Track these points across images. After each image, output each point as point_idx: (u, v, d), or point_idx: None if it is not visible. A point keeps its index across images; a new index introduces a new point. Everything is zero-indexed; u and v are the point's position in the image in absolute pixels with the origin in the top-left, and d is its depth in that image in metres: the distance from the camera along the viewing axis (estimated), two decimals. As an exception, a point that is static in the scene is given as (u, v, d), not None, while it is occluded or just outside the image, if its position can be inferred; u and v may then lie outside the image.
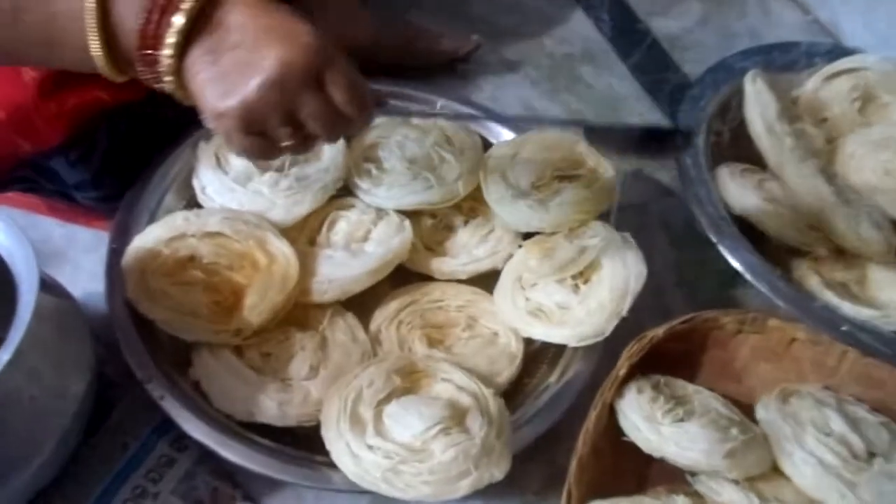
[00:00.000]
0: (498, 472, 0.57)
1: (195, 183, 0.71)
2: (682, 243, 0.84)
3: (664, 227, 0.85)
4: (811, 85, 0.86)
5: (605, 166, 0.73)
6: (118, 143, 0.70)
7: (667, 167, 0.89)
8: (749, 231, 0.74)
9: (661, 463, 0.61)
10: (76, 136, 0.66)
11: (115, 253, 0.65)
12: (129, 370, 0.60)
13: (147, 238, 0.65)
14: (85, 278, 0.70)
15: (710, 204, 0.75)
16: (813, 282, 0.71)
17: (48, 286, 0.58)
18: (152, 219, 0.69)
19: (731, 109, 0.84)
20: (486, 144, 0.78)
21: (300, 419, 0.61)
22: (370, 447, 0.56)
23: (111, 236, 0.67)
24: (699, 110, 0.83)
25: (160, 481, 0.61)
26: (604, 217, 0.71)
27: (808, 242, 0.74)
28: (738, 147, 0.84)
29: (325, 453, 0.57)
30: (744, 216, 0.76)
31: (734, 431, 0.60)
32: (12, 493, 0.53)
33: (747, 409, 0.65)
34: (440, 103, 0.82)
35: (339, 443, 0.57)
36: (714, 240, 0.73)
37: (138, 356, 0.61)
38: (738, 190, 0.76)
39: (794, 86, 0.86)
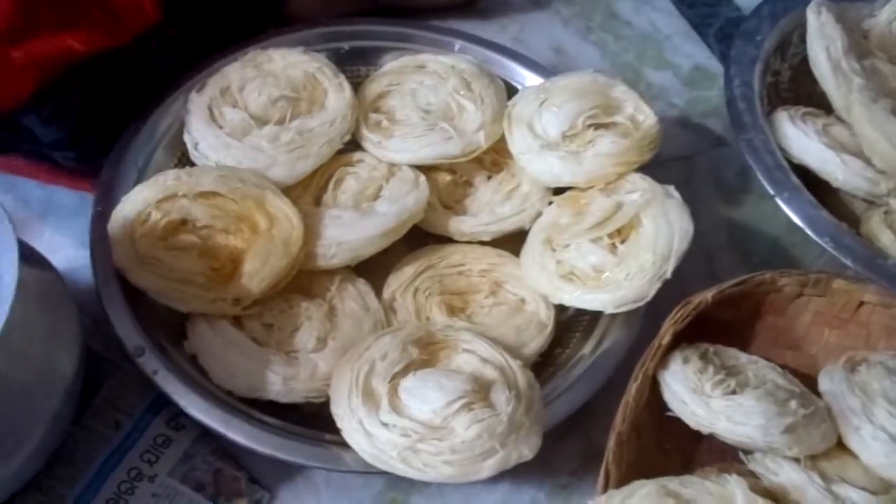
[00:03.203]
0: (527, 450, 0.58)
1: (187, 138, 0.72)
2: (734, 198, 0.84)
3: (714, 181, 0.85)
4: (885, 15, 0.85)
5: (646, 112, 0.73)
6: (96, 96, 0.71)
7: (718, 113, 0.89)
8: (811, 182, 0.74)
9: (709, 440, 0.61)
10: (47, 90, 0.67)
11: (101, 216, 0.66)
12: (119, 344, 0.62)
13: (135, 200, 0.66)
14: (68, 244, 0.72)
15: (767, 153, 0.75)
16: (884, 238, 0.71)
17: (27, 256, 0.59)
18: (140, 178, 0.70)
19: (792, 45, 0.84)
20: (511, 91, 0.78)
21: (307, 395, 0.62)
22: (385, 424, 0.57)
23: (95, 198, 0.68)
24: (754, 47, 0.82)
25: (156, 462, 0.62)
26: (645, 170, 0.71)
27: (879, 194, 0.74)
28: (799, 88, 0.84)
29: (336, 432, 0.59)
30: (805, 165, 0.76)
31: (794, 404, 0.60)
32: (5, 479, 0.55)
33: (808, 381, 0.65)
34: (458, 45, 0.82)
35: (351, 420, 0.58)
36: (771, 192, 0.73)
37: (128, 329, 0.62)
38: (799, 136, 0.76)
39: (865, 16, 0.86)
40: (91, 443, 0.63)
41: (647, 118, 0.72)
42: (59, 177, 0.76)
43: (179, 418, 0.64)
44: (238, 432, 0.59)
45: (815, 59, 0.80)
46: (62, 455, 0.61)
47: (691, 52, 0.96)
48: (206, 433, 0.63)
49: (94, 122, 0.72)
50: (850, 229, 0.71)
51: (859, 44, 0.82)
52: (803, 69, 0.82)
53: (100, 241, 0.65)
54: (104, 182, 0.69)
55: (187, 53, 0.76)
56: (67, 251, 0.71)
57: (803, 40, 0.81)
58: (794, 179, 0.73)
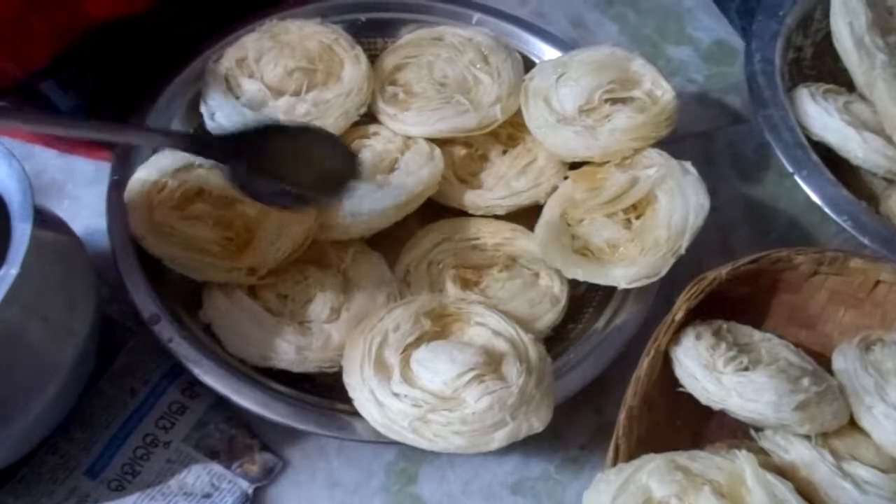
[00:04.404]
0: (538, 422, 0.58)
1: (203, 108, 0.72)
2: (752, 175, 0.84)
3: (732, 157, 0.85)
4: (911, -9, 0.84)
5: (664, 87, 0.72)
6: (114, 63, 0.72)
7: (738, 88, 0.88)
8: (831, 160, 0.74)
9: (720, 417, 0.62)
10: (65, 57, 0.68)
11: (118, 185, 0.67)
12: (135, 311, 0.63)
13: (152, 168, 0.67)
14: (85, 213, 0.73)
15: (787, 129, 0.75)
16: (904, 217, 0.71)
17: (47, 220, 0.60)
18: (157, 148, 0.70)
19: (815, 20, 0.83)
20: (528, 64, 0.78)
21: (320, 364, 0.63)
22: (396, 395, 0.58)
23: (112, 167, 0.69)
24: (777, 22, 0.82)
25: (171, 429, 0.64)
26: (663, 146, 0.71)
27: (900, 172, 0.73)
28: (822, 64, 0.83)
29: (348, 401, 0.60)
30: (825, 143, 0.75)
31: (806, 382, 0.60)
32: (19, 437, 0.56)
33: (822, 360, 0.65)
34: (476, 18, 0.81)
35: (363, 390, 0.59)
36: (790, 169, 0.73)
37: (144, 296, 0.63)
38: (820, 113, 0.76)
39: (891, -9, 0.84)
40: (107, 409, 0.64)
41: (665, 93, 0.72)
42: (77, 146, 0.77)
43: (194, 386, 0.65)
44: (251, 400, 0.60)
45: (837, 35, 0.79)
46: (79, 420, 0.63)
47: (712, 26, 0.95)
48: (220, 401, 0.65)
49: (112, 90, 0.73)
50: (869, 208, 0.71)
51: (884, 19, 0.81)
52: (826, 45, 0.81)
53: (116, 209, 0.66)
54: (121, 152, 0.70)
55: (205, 22, 0.76)
56: (85, 220, 0.71)
57: (827, 16, 0.80)
58: (814, 157, 0.73)
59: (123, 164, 0.69)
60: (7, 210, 0.54)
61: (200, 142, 0.58)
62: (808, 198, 0.71)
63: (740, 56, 0.86)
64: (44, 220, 0.58)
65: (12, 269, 0.51)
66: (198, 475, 0.62)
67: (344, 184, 0.62)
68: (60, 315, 0.57)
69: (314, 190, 0.60)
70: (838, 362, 0.64)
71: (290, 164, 0.60)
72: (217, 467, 0.63)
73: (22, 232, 0.52)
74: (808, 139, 0.75)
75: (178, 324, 0.63)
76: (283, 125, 0.65)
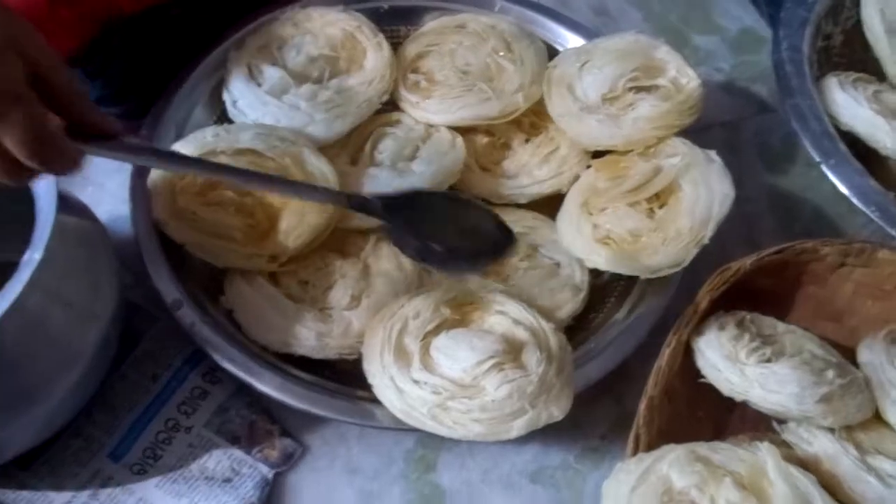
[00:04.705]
0: (557, 411, 0.58)
1: (226, 96, 0.73)
2: (778, 165, 0.83)
3: (758, 147, 0.84)
4: (944, -23, 0.82)
5: (689, 75, 0.72)
6: (141, 53, 0.72)
7: (764, 77, 0.87)
8: (859, 150, 0.73)
9: (742, 409, 0.61)
10: (92, 46, 0.69)
11: (141, 172, 0.68)
12: (157, 297, 0.63)
13: (175, 155, 0.67)
14: (109, 200, 0.74)
15: (815, 119, 0.74)
16: (933, 208, 0.70)
17: (71, 206, 0.61)
18: (180, 135, 0.71)
19: (845, 7, 0.82)
20: (551, 52, 0.78)
21: (340, 351, 0.63)
22: (416, 382, 0.58)
23: (136, 153, 0.70)
24: (805, 10, 0.81)
25: (193, 414, 0.64)
26: (688, 135, 0.70)
27: (930, 163, 0.72)
28: (851, 52, 0.82)
29: (367, 388, 0.60)
30: (854, 133, 0.74)
31: (830, 374, 0.59)
32: (43, 420, 0.57)
33: (847, 353, 0.65)
34: (499, 5, 0.81)
35: (383, 377, 0.59)
36: (817, 159, 0.72)
37: (166, 282, 0.64)
38: (849, 102, 0.75)
39: (923, -22, 0.83)
40: (130, 393, 0.65)
41: (690, 81, 0.71)
42: (101, 134, 0.78)
43: (216, 372, 0.66)
44: (272, 386, 0.61)
45: (868, 22, 0.78)
46: (102, 404, 0.64)
47: (739, 14, 0.94)
48: (241, 387, 0.65)
49: (138, 79, 0.73)
50: (897, 198, 0.70)
51: (917, 7, 0.80)
52: (856, 33, 0.80)
53: (140, 195, 0.67)
54: (145, 138, 0.70)
55: (228, 11, 0.77)
56: (109, 206, 0.72)
57: (857, 3, 0.79)
58: (842, 146, 0.72)
59: (147, 151, 0.70)
60: (31, 195, 0.55)
61: (357, 201, 0.62)
62: (834, 188, 0.70)
63: (767, 44, 0.85)
64: (68, 205, 0.59)
65: (36, 253, 0.51)
66: (218, 460, 0.63)
67: (496, 254, 0.64)
68: (84, 300, 0.57)
69: (465, 255, 0.62)
70: (864, 355, 0.64)
71: (446, 229, 0.62)
72: (238, 452, 0.63)
73: (46, 217, 0.53)
74: (836, 129, 0.74)
75: (200, 309, 0.63)
76: (441, 193, 0.69)
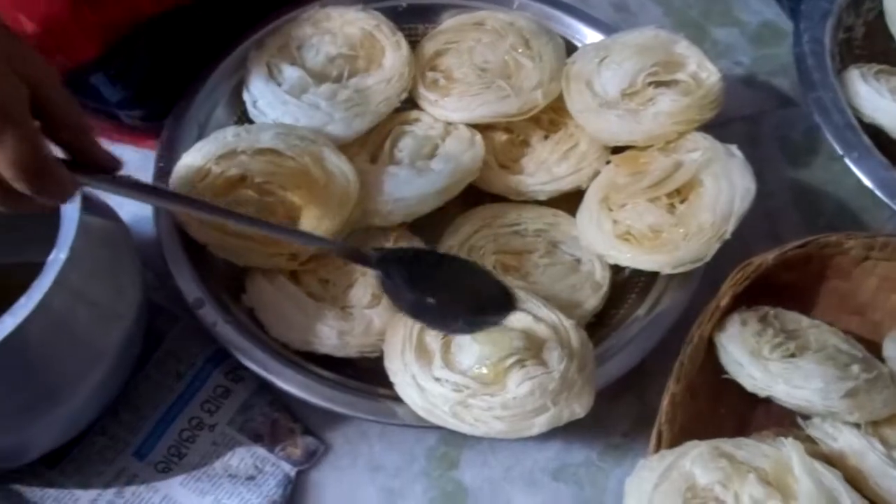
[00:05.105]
0: (579, 408, 0.58)
1: (246, 96, 0.73)
2: (800, 159, 0.82)
3: (780, 141, 0.84)
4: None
5: (709, 69, 0.71)
6: (162, 55, 0.73)
7: (786, 71, 0.86)
8: (882, 143, 0.72)
9: (766, 405, 0.61)
10: (115, 49, 0.69)
11: (163, 172, 0.69)
12: (180, 297, 0.64)
13: (195, 155, 0.68)
14: (132, 202, 0.74)
15: (837, 112, 0.74)
16: (959, 201, 0.69)
17: (94, 206, 0.61)
18: (201, 135, 0.72)
19: (867, -1, 0.81)
20: (570, 48, 0.77)
21: (361, 349, 0.63)
22: (437, 379, 0.58)
23: (157, 154, 0.70)
24: (826, 1, 0.80)
25: (216, 412, 0.65)
26: (709, 129, 0.70)
27: (956, 155, 0.71)
28: (874, 45, 0.81)
29: (389, 386, 0.60)
30: (877, 125, 0.74)
31: (855, 369, 0.59)
32: (68, 419, 0.58)
33: (872, 347, 0.64)
34: (517, 2, 0.81)
35: (405, 374, 0.59)
36: (840, 152, 0.71)
37: (188, 281, 0.64)
38: (872, 94, 0.74)
39: (947, -32, 0.82)
40: (154, 392, 0.65)
41: (711, 75, 0.71)
42: (124, 135, 0.79)
43: (238, 370, 0.66)
44: (294, 384, 0.61)
45: (891, 13, 0.77)
46: (126, 403, 0.64)
47: (759, 7, 0.93)
48: (263, 385, 0.66)
49: (159, 81, 0.74)
50: (922, 191, 0.69)
51: (940, -3, 0.79)
52: (879, 25, 0.80)
53: (162, 196, 0.67)
54: (166, 139, 0.71)
55: (248, 12, 0.77)
56: (131, 206, 0.72)
57: (881, -7, 0.79)
58: (865, 139, 0.72)
59: (168, 152, 0.70)
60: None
61: (351, 252, 0.62)
62: (858, 181, 0.70)
63: (788, 37, 0.84)
64: (92, 206, 0.60)
65: (62, 253, 0.52)
66: (242, 458, 0.63)
67: (495, 316, 0.61)
68: (108, 299, 0.58)
69: (462, 314, 0.60)
70: (889, 349, 0.63)
71: (444, 287, 0.61)
72: (260, 450, 0.64)
73: (70, 217, 0.53)
74: (859, 121, 0.73)
75: (222, 309, 0.64)
76: (441, 254, 0.68)
